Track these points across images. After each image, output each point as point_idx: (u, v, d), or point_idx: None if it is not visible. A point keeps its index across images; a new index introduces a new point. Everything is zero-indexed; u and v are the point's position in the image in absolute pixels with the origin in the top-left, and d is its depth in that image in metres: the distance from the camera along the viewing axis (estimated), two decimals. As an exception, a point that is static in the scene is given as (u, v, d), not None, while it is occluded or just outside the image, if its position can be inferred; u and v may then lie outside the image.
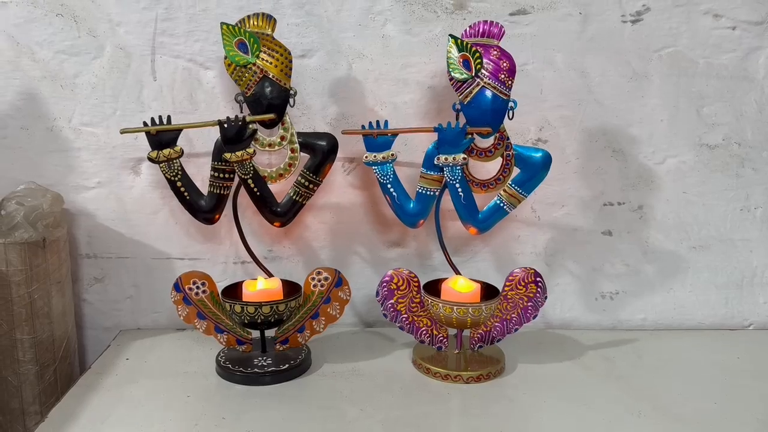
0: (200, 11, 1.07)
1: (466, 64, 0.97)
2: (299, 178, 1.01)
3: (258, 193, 1.00)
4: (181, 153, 0.99)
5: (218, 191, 1.02)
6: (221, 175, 1.01)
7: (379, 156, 1.01)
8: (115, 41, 1.08)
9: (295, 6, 1.08)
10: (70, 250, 1.13)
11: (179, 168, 1.00)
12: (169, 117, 0.99)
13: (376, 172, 1.02)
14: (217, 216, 1.03)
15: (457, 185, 1.00)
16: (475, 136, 0.99)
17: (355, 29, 1.09)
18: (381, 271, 1.19)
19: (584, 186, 1.18)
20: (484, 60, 0.96)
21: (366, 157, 1.01)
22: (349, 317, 1.21)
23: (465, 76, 0.97)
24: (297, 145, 1.01)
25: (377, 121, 1.01)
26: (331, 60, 1.10)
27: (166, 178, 1.00)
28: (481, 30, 0.98)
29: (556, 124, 1.15)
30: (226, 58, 0.97)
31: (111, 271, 1.16)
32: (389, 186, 1.02)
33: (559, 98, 1.14)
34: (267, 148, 1.01)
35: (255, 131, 0.99)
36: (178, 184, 1.00)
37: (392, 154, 1.02)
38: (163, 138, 0.98)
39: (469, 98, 0.97)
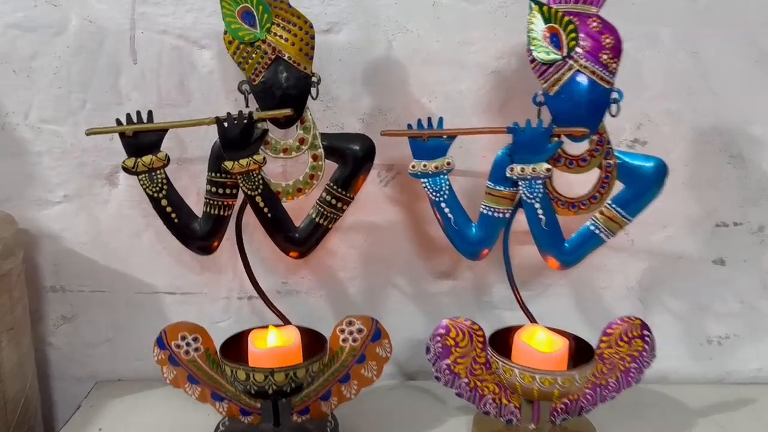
0: (193, -30, 0.83)
1: (554, 39, 0.73)
2: (324, 193, 0.78)
3: (269, 215, 0.77)
4: (167, 161, 0.77)
5: (216, 212, 0.78)
6: (220, 191, 0.78)
7: (431, 165, 0.77)
8: (83, 12, 0.84)
9: (318, -35, 0.84)
10: (29, 282, 0.90)
11: (164, 180, 0.77)
12: (150, 113, 0.76)
13: (425, 187, 0.78)
14: (215, 243, 0.80)
15: (537, 205, 0.76)
16: (563, 138, 0.75)
17: (397, -5, 0.85)
18: (426, 309, 0.96)
19: (692, 201, 0.93)
20: (580, 34, 0.72)
21: (412, 166, 0.77)
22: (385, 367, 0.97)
23: (553, 56, 0.72)
24: (321, 151, 0.77)
25: (428, 119, 0.77)
26: (365, 36, 0.86)
27: (147, 194, 0.77)
28: (575, -7, 0.74)
29: (659, 120, 0.90)
30: (226, 33, 0.74)
31: (83, 308, 0.94)
32: (443, 205, 0.78)
33: (663, 86, 0.89)
34: (281, 155, 0.77)
35: (265, 132, 0.76)
36: (163, 202, 0.77)
37: (448, 163, 0.77)
38: (143, 141, 0.76)
39: (557, 87, 0.73)
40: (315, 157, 0.78)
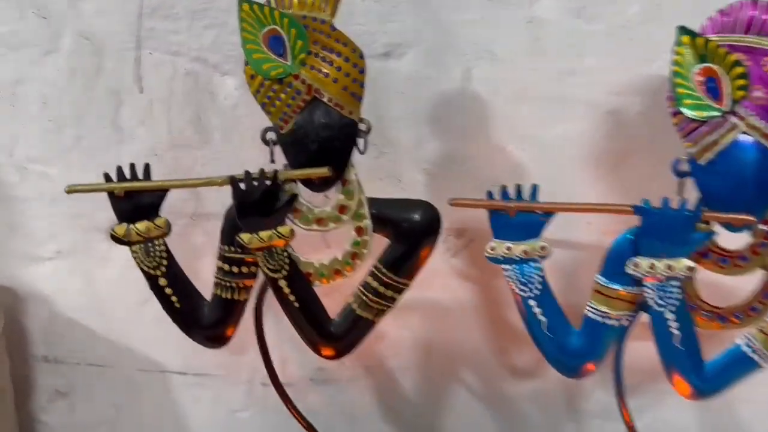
0: (214, -25, 0.65)
1: (711, 86, 0.51)
2: (369, 277, 0.60)
3: (296, 303, 0.59)
4: (167, 229, 0.60)
5: (229, 295, 0.62)
6: (235, 270, 0.61)
7: (518, 249, 0.57)
8: (78, 26, 0.70)
9: (375, -33, 0.64)
10: (14, 348, 0.77)
11: (163, 254, 0.61)
12: (147, 167, 0.60)
13: (509, 277, 0.58)
14: (227, 332, 0.64)
15: (670, 316, 0.55)
16: (715, 226, 0.53)
17: (482, 9, 0.65)
18: (501, 415, 0.76)
19: None
20: (752, 80, 0.50)
21: (491, 248, 0.58)
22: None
23: (709, 111, 0.51)
24: (368, 222, 0.59)
25: (516, 187, 0.57)
26: (435, 62, 0.66)
27: (142, 270, 0.60)
28: (745, 18, 0.51)
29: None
30: (247, 64, 0.56)
31: (80, 383, 0.80)
32: (532, 303, 0.58)
33: None
34: (315, 227, 0.59)
35: (294, 197, 0.58)
36: (161, 281, 0.61)
37: (542, 247, 0.57)
38: (138, 203, 0.60)
39: (711, 153, 0.52)
40: (360, 231, 0.60)
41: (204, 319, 0.63)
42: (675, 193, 0.54)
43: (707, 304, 0.56)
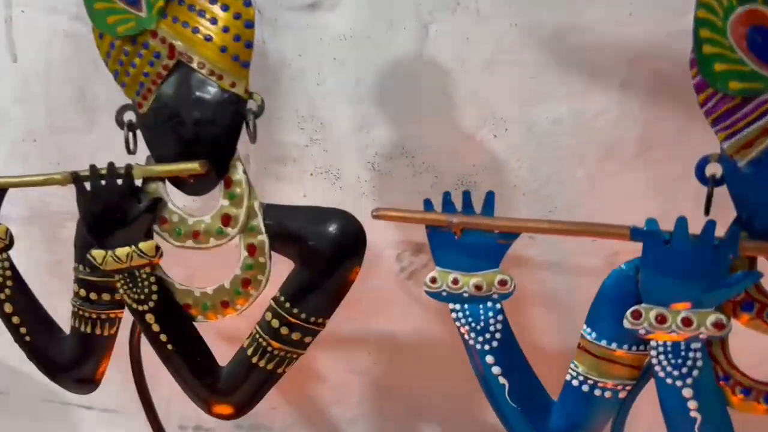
0: None
1: (759, 43, 0.32)
2: (268, 314, 0.44)
3: (170, 346, 0.44)
4: (9, 241, 0.46)
5: (88, 329, 0.48)
6: (93, 296, 0.47)
7: (468, 282, 0.40)
8: None
9: None
10: None
11: (7, 272, 0.47)
12: None
13: (457, 321, 0.41)
14: (95, 373, 0.50)
15: (688, 392, 0.37)
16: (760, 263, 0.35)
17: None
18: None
19: None
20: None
21: (432, 279, 0.41)
22: None
23: (757, 83, 0.32)
24: (263, 238, 0.43)
25: (464, 194, 0.40)
26: (379, 17, 0.49)
27: None
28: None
29: None
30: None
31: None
32: (490, 359, 0.41)
33: None
34: (190, 242, 0.44)
35: (157, 201, 0.43)
36: (6, 307, 0.47)
37: (501, 281, 0.40)
38: None
39: (758, 149, 0.32)
40: (252, 250, 0.44)
41: (59, 359, 0.49)
42: (700, 213, 0.36)
43: (746, 376, 0.37)
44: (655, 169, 0.47)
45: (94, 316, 0.47)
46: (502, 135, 0.50)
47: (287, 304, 0.44)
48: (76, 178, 0.43)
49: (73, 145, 0.56)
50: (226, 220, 0.44)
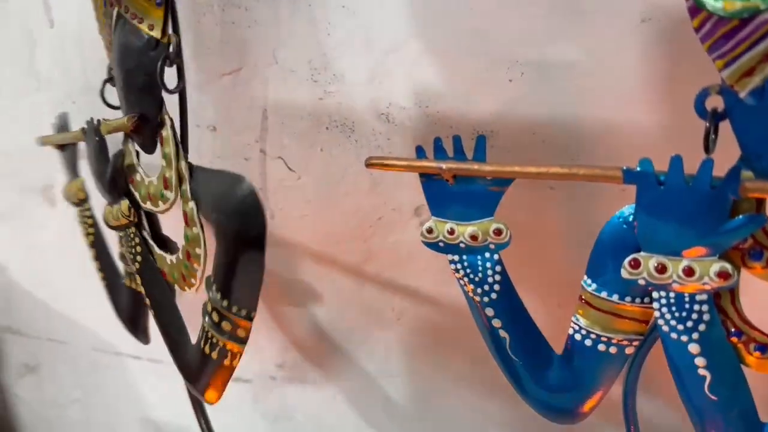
0: None
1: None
2: (207, 302, 0.43)
3: (152, 311, 0.46)
4: (86, 195, 0.51)
5: (130, 283, 0.50)
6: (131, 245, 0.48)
7: (463, 231, 0.39)
8: None
9: None
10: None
11: (90, 220, 0.51)
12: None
13: (456, 272, 0.40)
14: (140, 324, 0.53)
15: (694, 348, 0.34)
16: (769, 206, 0.32)
17: None
18: None
19: None
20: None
21: (427, 230, 0.40)
22: None
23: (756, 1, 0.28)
24: (192, 205, 0.42)
25: (455, 139, 0.38)
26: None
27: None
28: None
29: None
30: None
31: (45, 359, 0.73)
32: (489, 312, 0.40)
33: None
34: (148, 205, 0.45)
35: (117, 158, 0.44)
36: (91, 252, 0.51)
37: (496, 230, 0.38)
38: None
39: (760, 77, 0.29)
40: (186, 218, 0.42)
41: (119, 308, 0.52)
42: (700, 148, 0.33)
43: (762, 332, 0.34)
44: (678, 112, 0.44)
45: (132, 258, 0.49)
46: (517, 79, 0.47)
47: (214, 289, 0.41)
48: (83, 130, 0.45)
49: (103, 109, 0.59)
50: (165, 182, 0.43)
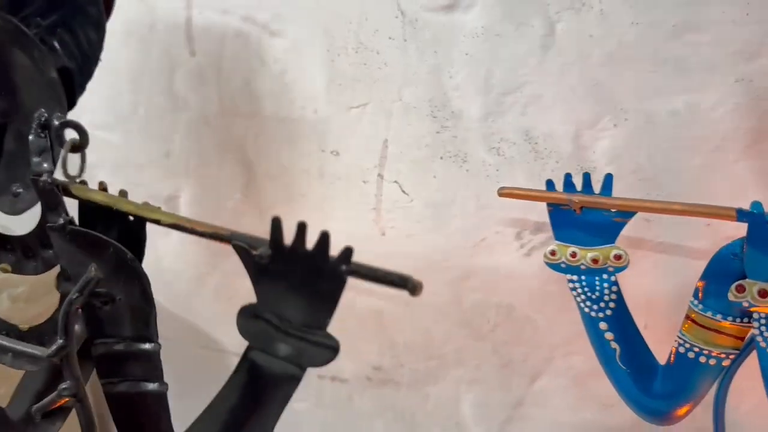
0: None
1: None
2: None
3: None
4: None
5: None
6: None
7: (586, 255, 0.46)
8: None
9: None
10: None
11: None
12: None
13: (574, 291, 0.47)
14: None
15: None
16: None
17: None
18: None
19: None
20: None
21: (551, 252, 0.47)
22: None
23: None
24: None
25: (584, 176, 0.46)
26: (510, 16, 0.55)
27: None
28: None
29: None
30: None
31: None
32: (603, 326, 0.47)
33: None
34: None
35: None
36: None
37: (617, 256, 0.46)
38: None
39: None
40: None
41: None
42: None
43: None
44: (766, 159, 0.51)
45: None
46: (621, 124, 0.55)
47: None
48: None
49: (240, 128, 0.67)
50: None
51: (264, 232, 0.71)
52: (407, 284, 0.36)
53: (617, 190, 0.52)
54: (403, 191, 0.63)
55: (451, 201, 0.61)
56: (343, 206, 0.65)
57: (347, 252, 0.37)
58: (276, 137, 0.65)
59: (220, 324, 0.76)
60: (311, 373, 0.74)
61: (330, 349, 0.38)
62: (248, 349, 0.41)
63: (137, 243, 0.46)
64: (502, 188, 0.48)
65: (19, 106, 0.44)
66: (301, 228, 0.37)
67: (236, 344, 0.75)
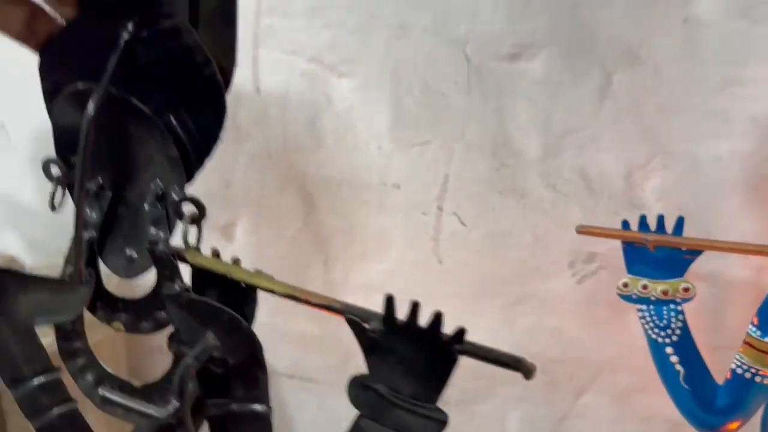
0: (335, -27, 0.64)
1: None
2: None
3: None
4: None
5: None
6: None
7: (656, 288, 0.52)
8: None
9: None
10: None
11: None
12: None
13: (643, 318, 0.53)
14: None
15: None
16: None
17: (627, 6, 0.58)
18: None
19: None
20: None
21: (624, 284, 0.53)
22: None
23: None
24: None
25: (659, 218, 0.52)
26: (570, 66, 0.61)
27: None
28: None
29: None
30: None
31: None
32: (670, 350, 0.53)
33: None
34: None
35: None
36: None
37: (685, 288, 0.52)
38: None
39: None
40: None
41: None
42: None
43: None
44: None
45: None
46: (670, 166, 0.61)
47: None
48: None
49: (302, 162, 0.70)
50: None
51: (322, 260, 0.75)
52: (521, 367, 0.39)
53: (666, 226, 0.58)
54: (462, 223, 0.67)
55: (509, 232, 0.66)
56: (402, 235, 0.70)
57: (460, 332, 0.39)
58: (338, 171, 0.69)
59: (269, 345, 0.79)
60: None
61: (438, 422, 0.40)
62: (359, 418, 0.43)
63: (249, 307, 0.46)
64: (580, 226, 0.54)
65: (136, 179, 0.45)
66: (415, 307, 0.40)
67: (285, 366, 0.79)
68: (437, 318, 0.39)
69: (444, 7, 0.62)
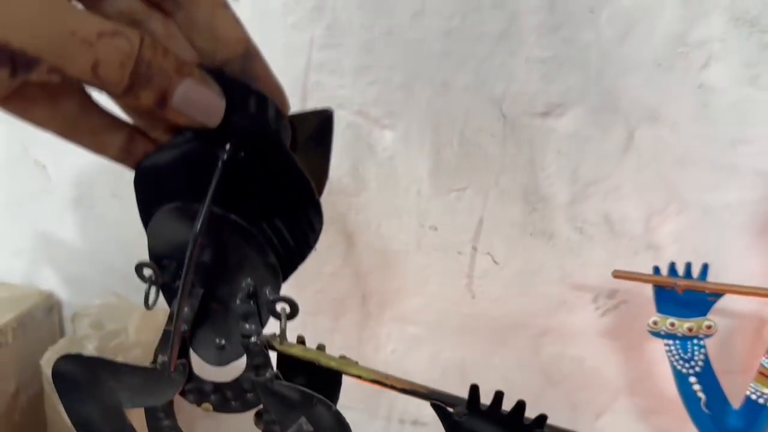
0: (381, 34, 0.70)
1: None
2: None
3: None
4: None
5: None
6: None
7: (683, 326, 0.59)
8: None
9: (543, 29, 0.66)
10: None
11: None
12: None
13: (670, 351, 0.60)
14: None
15: None
16: None
17: (649, 72, 0.66)
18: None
19: None
20: None
21: (654, 322, 0.60)
22: None
23: None
24: None
25: (686, 265, 0.59)
26: (597, 123, 0.68)
27: None
28: None
29: None
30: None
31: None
32: (693, 380, 0.60)
33: None
34: None
35: None
36: None
37: (708, 326, 0.59)
38: None
39: None
40: None
41: None
42: None
43: None
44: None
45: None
46: (684, 212, 0.68)
47: None
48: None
49: (344, 204, 0.76)
50: None
51: (360, 294, 0.80)
52: None
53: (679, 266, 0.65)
54: (495, 261, 0.74)
55: (538, 271, 0.73)
56: (438, 272, 0.76)
57: (541, 419, 0.42)
58: (378, 213, 0.75)
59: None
60: (393, 418, 0.84)
61: None
62: None
63: (333, 390, 0.49)
64: (615, 271, 0.61)
65: (228, 279, 0.46)
66: (498, 396, 0.43)
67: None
68: (520, 408, 0.43)
69: (483, 68, 0.68)
